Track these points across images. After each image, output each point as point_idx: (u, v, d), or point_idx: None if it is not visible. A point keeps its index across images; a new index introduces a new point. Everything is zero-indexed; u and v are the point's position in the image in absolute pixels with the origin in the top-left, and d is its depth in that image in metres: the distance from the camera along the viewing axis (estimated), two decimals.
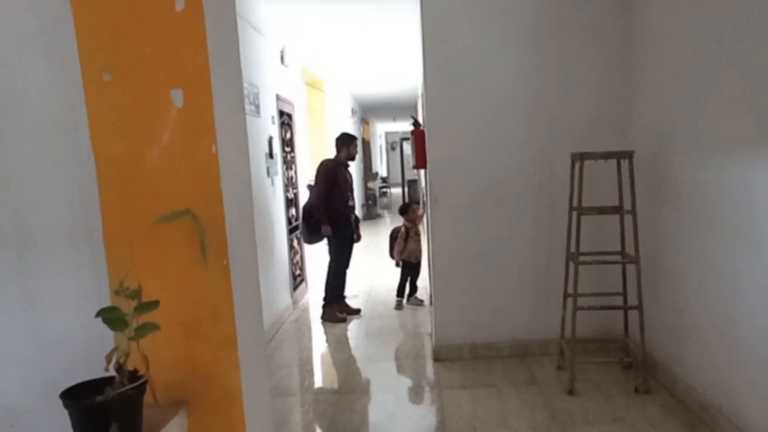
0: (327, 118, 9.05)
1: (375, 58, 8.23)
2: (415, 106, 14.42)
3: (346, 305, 5.52)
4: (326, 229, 5.12)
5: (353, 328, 5.12)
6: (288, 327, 5.18)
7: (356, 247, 9.25)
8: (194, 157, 1.42)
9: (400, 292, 5.79)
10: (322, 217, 5.11)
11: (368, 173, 15.29)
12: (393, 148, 27.35)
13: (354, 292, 6.34)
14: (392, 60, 8.46)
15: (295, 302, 5.81)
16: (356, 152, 5.43)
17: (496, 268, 4.04)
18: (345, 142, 5.38)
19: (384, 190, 19.06)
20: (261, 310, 1.79)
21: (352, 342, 4.77)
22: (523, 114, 3.90)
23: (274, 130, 5.37)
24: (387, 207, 16.62)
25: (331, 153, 9.86)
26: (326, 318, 5.33)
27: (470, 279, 4.05)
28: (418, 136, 4.18)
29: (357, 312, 5.51)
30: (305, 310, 5.80)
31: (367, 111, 15.61)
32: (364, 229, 12.29)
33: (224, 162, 1.48)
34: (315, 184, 5.26)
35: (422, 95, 4.06)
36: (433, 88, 3.90)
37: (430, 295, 5.57)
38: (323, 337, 4.93)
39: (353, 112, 12.54)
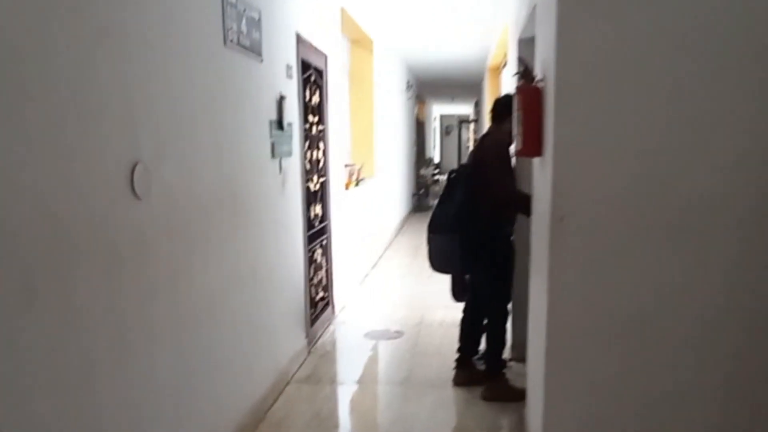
0: (376, 88, 7.18)
1: (439, 11, 6.28)
2: (479, 85, 12.36)
3: (473, 367, 3.44)
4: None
5: (392, 403, 3.29)
6: (291, 394, 3.35)
7: (400, 255, 7.38)
8: None
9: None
10: (525, 210, 2.83)
11: (421, 159, 13.39)
12: (448, 132, 25.38)
13: (396, 328, 4.50)
14: (461, 16, 6.49)
15: (311, 341, 4.02)
16: None
17: (665, 348, 2.11)
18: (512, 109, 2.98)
19: (436, 177, 17.11)
20: None
21: None
22: (761, 67, 1.93)
23: (290, 88, 3.55)
24: (437, 195, 14.66)
25: (382, 134, 7.93)
26: (494, 397, 3.17)
27: (613, 364, 2.13)
28: (528, 97, 2.29)
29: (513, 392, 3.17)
30: (327, 354, 3.99)
31: (423, 87, 13.60)
32: (413, 227, 10.36)
33: None
34: (496, 168, 3.03)
35: (550, 12, 2.15)
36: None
37: (511, 346, 3.65)
38: (341, 423, 3.13)
39: (408, 86, 10.62)
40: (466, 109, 20.32)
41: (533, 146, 2.32)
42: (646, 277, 2.05)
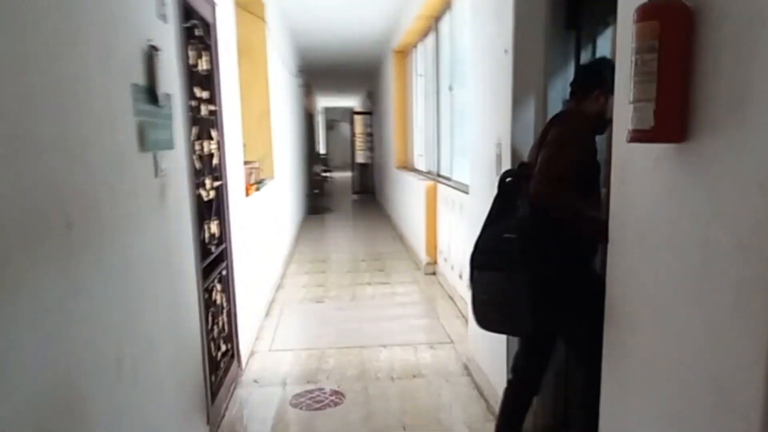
0: (271, 65, 5.81)
1: None
2: (375, 72, 11.28)
3: None
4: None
5: None
6: None
7: (307, 270, 6.25)
8: None
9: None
10: (597, 231, 1.66)
11: (313, 154, 12.09)
12: (331, 127, 24.24)
13: (331, 385, 3.25)
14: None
15: (214, 425, 2.67)
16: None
17: None
18: (604, 80, 1.82)
19: (326, 175, 15.85)
20: None
21: None
22: None
23: (166, 37, 2.19)
24: (330, 195, 13.36)
25: (278, 124, 6.34)
26: None
27: None
28: (674, 25, 1.18)
29: None
30: None
31: (309, 76, 12.23)
32: (311, 233, 8.92)
33: None
34: (556, 151, 1.89)
35: None
36: None
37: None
38: None
39: (299, 71, 9.28)
40: (353, 101, 19.25)
41: (674, 122, 1.23)
42: None
